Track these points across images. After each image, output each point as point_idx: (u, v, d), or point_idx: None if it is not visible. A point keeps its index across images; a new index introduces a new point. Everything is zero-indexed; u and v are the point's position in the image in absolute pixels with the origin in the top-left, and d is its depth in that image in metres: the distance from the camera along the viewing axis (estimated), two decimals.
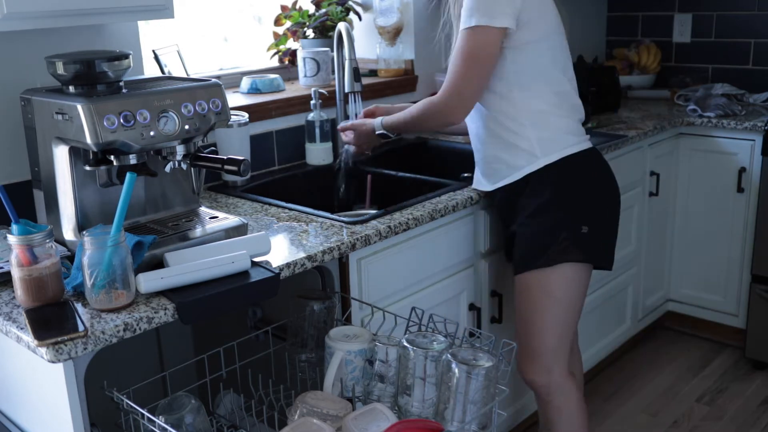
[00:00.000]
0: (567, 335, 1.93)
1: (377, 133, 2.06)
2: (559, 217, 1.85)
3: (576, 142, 1.89)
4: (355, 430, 1.33)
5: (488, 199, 2.02)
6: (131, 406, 1.33)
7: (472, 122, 1.96)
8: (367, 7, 2.81)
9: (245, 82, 2.45)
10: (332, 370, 1.47)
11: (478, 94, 1.83)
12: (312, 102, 2.35)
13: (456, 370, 1.35)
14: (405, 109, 2.01)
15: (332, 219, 1.81)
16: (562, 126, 1.87)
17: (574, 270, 1.87)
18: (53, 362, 1.20)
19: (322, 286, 1.72)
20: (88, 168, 1.50)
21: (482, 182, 1.98)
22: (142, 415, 1.31)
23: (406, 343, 1.43)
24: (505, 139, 1.87)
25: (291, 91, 2.48)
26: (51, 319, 1.27)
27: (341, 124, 2.21)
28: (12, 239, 1.30)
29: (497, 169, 1.92)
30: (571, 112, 1.90)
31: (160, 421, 1.29)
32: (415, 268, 1.90)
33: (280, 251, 1.60)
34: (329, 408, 1.39)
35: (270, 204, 1.95)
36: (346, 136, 2.18)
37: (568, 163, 1.86)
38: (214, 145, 2.10)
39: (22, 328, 1.27)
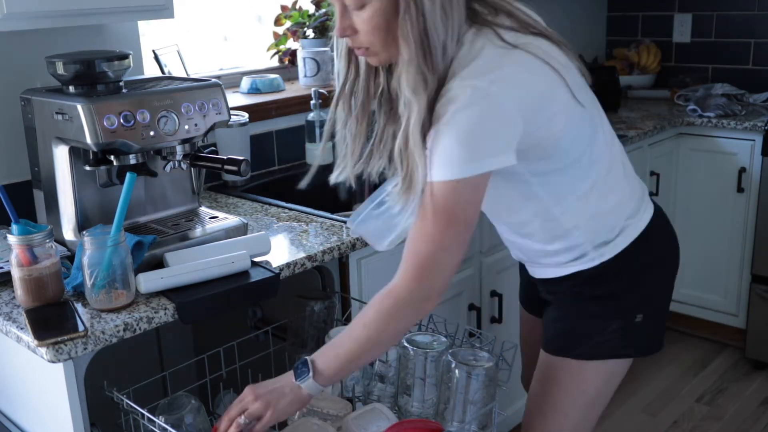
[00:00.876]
0: (591, 427, 1.59)
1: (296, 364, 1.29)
2: (611, 305, 1.46)
3: (634, 224, 1.44)
4: (355, 430, 1.33)
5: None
6: (131, 406, 1.33)
7: (509, 236, 1.54)
8: None
9: (245, 82, 2.45)
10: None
11: (458, 265, 1.31)
12: (312, 102, 2.35)
13: (456, 371, 1.34)
14: (333, 341, 1.30)
15: (332, 219, 1.81)
16: (616, 219, 1.42)
17: (617, 364, 1.50)
18: (53, 362, 1.20)
19: (322, 286, 1.72)
20: (88, 168, 1.50)
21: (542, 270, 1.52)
22: (142, 415, 1.31)
23: (406, 343, 1.43)
24: (544, 241, 1.45)
25: (291, 91, 2.48)
26: (51, 319, 1.27)
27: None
28: (12, 239, 1.30)
29: (543, 263, 1.50)
30: (621, 188, 1.44)
31: (160, 421, 1.29)
32: None
33: (280, 251, 1.60)
34: (329, 408, 1.39)
35: (270, 204, 1.95)
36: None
37: (625, 252, 1.43)
38: (214, 145, 2.10)
39: (22, 328, 1.27)
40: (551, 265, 1.48)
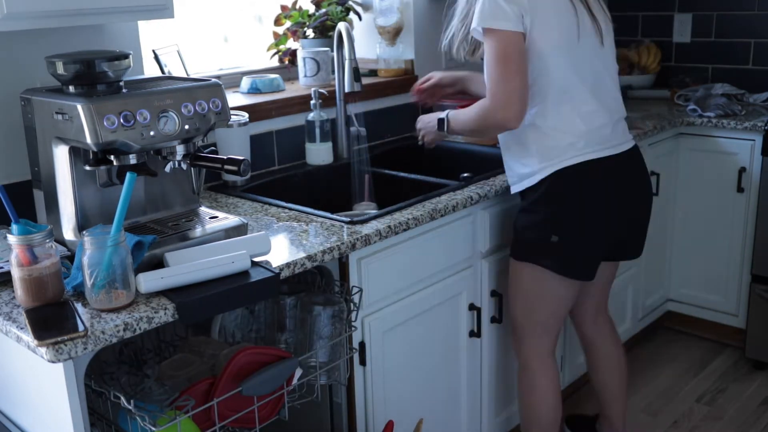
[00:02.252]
0: (534, 325, 2.05)
1: (439, 118, 2.05)
2: (533, 220, 1.94)
3: (574, 155, 1.89)
4: (224, 361, 1.53)
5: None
6: (98, 386, 1.36)
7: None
8: (367, 7, 2.81)
9: (245, 82, 2.45)
10: (217, 318, 1.66)
11: (524, 92, 1.80)
12: (312, 102, 2.35)
13: (313, 311, 1.63)
14: (468, 107, 1.97)
15: (332, 219, 1.81)
16: (564, 143, 1.88)
17: (538, 271, 1.96)
18: (53, 362, 1.20)
19: (322, 286, 1.73)
20: (88, 168, 1.50)
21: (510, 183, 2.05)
22: (109, 392, 1.34)
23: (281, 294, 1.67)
24: (510, 149, 1.98)
25: (291, 91, 2.48)
26: (51, 319, 1.27)
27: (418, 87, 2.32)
28: (12, 239, 1.30)
29: (510, 176, 2.03)
30: (583, 124, 1.89)
31: (125, 398, 1.31)
32: (415, 268, 1.90)
33: (280, 251, 1.60)
34: (207, 348, 1.60)
35: (270, 204, 1.95)
36: (420, 123, 2.21)
37: (559, 176, 1.89)
38: (214, 145, 2.10)
39: (22, 328, 1.27)
40: (512, 179, 2.02)
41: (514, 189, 2.01)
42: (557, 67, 1.84)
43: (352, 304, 1.69)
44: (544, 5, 1.80)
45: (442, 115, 2.03)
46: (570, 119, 1.88)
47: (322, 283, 1.72)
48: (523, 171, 1.95)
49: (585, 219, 1.92)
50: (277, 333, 1.68)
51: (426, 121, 2.16)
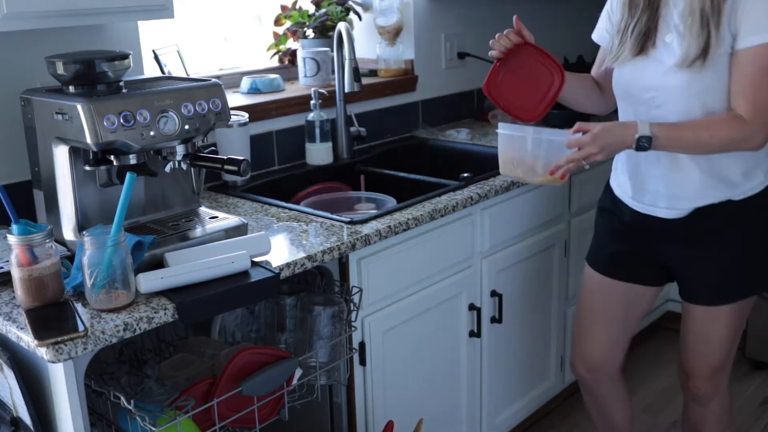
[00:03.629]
0: (733, 354, 1.94)
1: (637, 136, 1.61)
2: (761, 247, 1.77)
3: None
4: (224, 362, 1.56)
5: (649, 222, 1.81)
6: (99, 387, 1.36)
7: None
8: (367, 7, 2.81)
9: (245, 82, 2.45)
10: (217, 319, 1.65)
11: None
12: (312, 102, 2.35)
13: (313, 311, 1.62)
14: (687, 122, 1.64)
15: (332, 219, 1.81)
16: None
17: (753, 299, 1.86)
18: (53, 362, 1.20)
19: (321, 286, 1.73)
20: (88, 168, 1.50)
21: (681, 206, 1.75)
22: (108, 392, 1.34)
23: (281, 294, 1.65)
24: (739, 158, 1.69)
25: (291, 91, 2.48)
26: (51, 319, 1.27)
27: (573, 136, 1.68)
28: (12, 239, 1.30)
29: (715, 186, 1.71)
30: None
31: (125, 397, 1.31)
32: (415, 268, 1.90)
33: (280, 251, 1.60)
34: (208, 349, 1.60)
35: (270, 204, 1.95)
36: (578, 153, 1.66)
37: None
38: (214, 145, 2.10)
39: (22, 328, 1.27)
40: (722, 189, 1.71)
41: (710, 200, 1.71)
42: None
43: (352, 304, 1.69)
44: None
45: (638, 133, 1.60)
46: None
47: (322, 283, 1.72)
48: (746, 185, 1.71)
49: None
50: (277, 333, 1.67)
51: (608, 142, 1.63)
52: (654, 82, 1.68)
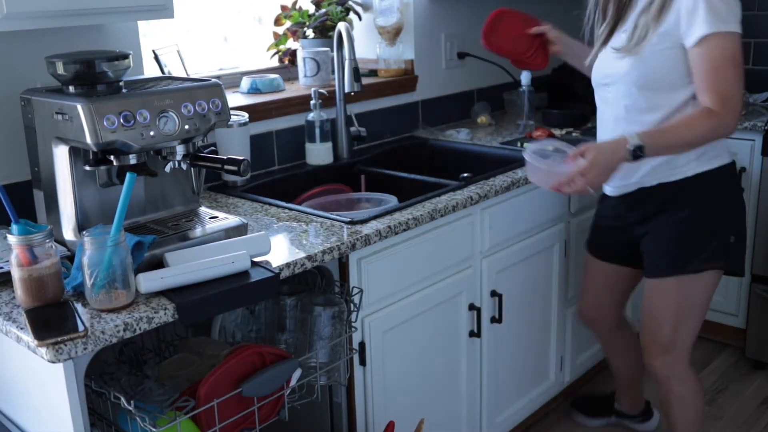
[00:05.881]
0: (694, 334, 2.04)
1: (631, 147, 1.74)
2: (711, 225, 1.91)
3: (728, 153, 1.93)
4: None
5: (610, 201, 2.06)
6: (99, 386, 1.36)
7: (648, 115, 1.86)
8: (367, 7, 2.81)
9: (245, 82, 2.45)
10: (217, 318, 1.65)
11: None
12: (312, 102, 2.35)
13: (313, 312, 1.62)
14: (666, 125, 1.82)
15: (332, 219, 1.81)
16: (722, 142, 1.89)
17: (715, 277, 1.96)
18: (53, 362, 1.20)
19: (321, 286, 1.73)
20: (88, 168, 1.50)
21: (632, 181, 1.94)
22: (109, 392, 1.34)
23: (281, 294, 1.65)
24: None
25: (291, 91, 2.48)
26: (51, 319, 1.27)
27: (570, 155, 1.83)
28: (12, 239, 1.30)
29: (654, 168, 1.89)
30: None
31: (125, 398, 1.31)
32: (415, 268, 1.90)
33: (280, 251, 1.60)
34: (207, 348, 1.60)
35: (270, 204, 1.95)
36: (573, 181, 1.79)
37: (723, 171, 1.90)
38: (214, 145, 2.10)
39: (22, 328, 1.27)
40: (660, 171, 1.88)
41: (649, 182, 1.91)
42: None
43: (352, 305, 1.69)
44: None
45: (630, 145, 1.74)
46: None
47: (322, 284, 1.72)
48: (677, 162, 1.87)
49: (744, 216, 1.98)
50: (277, 333, 1.67)
51: (603, 159, 1.76)
52: (607, 69, 1.92)
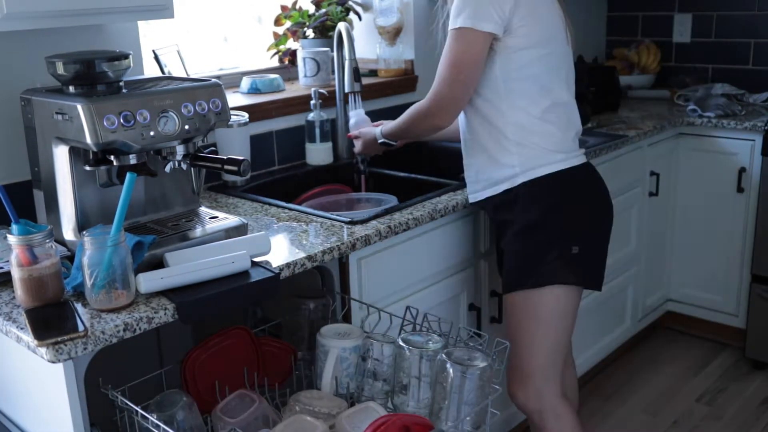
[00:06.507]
0: (556, 357, 1.85)
1: (379, 142, 2.09)
2: (548, 236, 1.77)
3: (563, 158, 1.79)
4: (348, 427, 1.33)
5: (479, 209, 2.01)
6: (125, 403, 1.34)
7: (460, 126, 1.90)
8: (367, 7, 2.81)
9: (245, 82, 2.45)
10: (329, 367, 1.48)
11: (464, 99, 1.76)
12: (312, 102, 2.35)
13: (451, 370, 1.36)
14: (400, 117, 1.96)
15: (332, 219, 1.81)
16: (549, 143, 1.78)
17: (563, 291, 1.79)
18: (53, 362, 1.20)
19: (321, 286, 1.73)
20: (88, 168, 1.50)
21: (469, 191, 1.92)
22: (136, 412, 1.32)
23: (402, 343, 1.44)
24: (488, 149, 1.81)
25: (291, 91, 2.48)
26: (51, 319, 1.27)
27: (350, 133, 2.26)
28: (12, 239, 1.30)
29: (479, 180, 1.86)
30: (566, 126, 1.81)
31: (153, 417, 1.29)
32: (415, 268, 1.90)
33: (280, 251, 1.60)
34: (322, 406, 1.41)
35: (270, 204, 1.95)
36: (355, 144, 2.21)
37: (555, 180, 1.77)
38: (214, 145, 2.10)
39: (22, 328, 1.27)
40: (485, 182, 1.84)
41: (482, 195, 1.85)
42: (540, 65, 1.76)
43: (497, 361, 1.43)
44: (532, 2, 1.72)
45: (379, 138, 2.07)
46: (551, 121, 1.78)
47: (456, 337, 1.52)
48: (498, 174, 1.80)
49: (597, 224, 1.84)
50: (400, 392, 1.46)
51: (364, 132, 2.16)
52: None
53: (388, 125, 2.05)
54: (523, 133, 1.77)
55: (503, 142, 1.78)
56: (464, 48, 1.70)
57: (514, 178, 1.78)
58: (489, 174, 1.82)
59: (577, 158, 1.83)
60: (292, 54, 2.65)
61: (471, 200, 1.92)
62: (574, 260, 1.78)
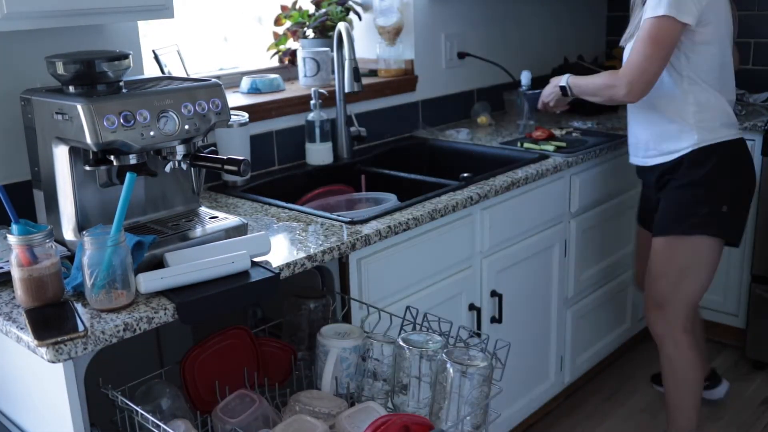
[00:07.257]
0: (689, 297, 2.20)
1: (560, 85, 2.30)
2: (704, 194, 2.11)
3: (728, 134, 2.12)
4: (348, 427, 1.33)
5: (640, 172, 2.31)
6: (125, 403, 1.34)
7: (642, 103, 2.14)
8: (367, 7, 2.81)
9: (245, 82, 2.45)
10: (329, 367, 1.48)
11: (657, 77, 2.04)
12: (312, 102, 2.35)
13: (451, 370, 1.36)
14: (592, 76, 2.22)
15: (332, 219, 1.81)
16: (719, 121, 2.11)
17: (706, 242, 2.13)
18: (53, 362, 1.20)
19: (321, 286, 1.73)
20: (88, 168, 1.50)
21: (641, 158, 2.24)
22: (136, 412, 1.32)
23: (402, 343, 1.44)
24: (667, 123, 2.13)
25: (291, 91, 2.48)
26: (51, 319, 1.27)
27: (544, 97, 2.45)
28: (12, 239, 1.30)
29: (650, 148, 2.19)
30: (728, 107, 2.15)
31: (154, 418, 1.30)
32: (415, 268, 1.90)
33: (280, 251, 1.60)
34: (322, 406, 1.41)
35: (270, 204, 1.95)
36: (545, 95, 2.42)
37: (720, 149, 2.10)
38: (214, 145, 2.10)
39: (22, 328, 1.27)
40: (657, 151, 2.18)
41: (653, 161, 2.19)
42: (717, 53, 2.09)
43: (498, 362, 1.43)
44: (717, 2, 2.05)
45: (563, 82, 2.29)
46: (722, 101, 2.12)
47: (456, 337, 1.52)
48: (675, 146, 2.12)
49: (745, 190, 2.17)
50: (399, 392, 1.46)
51: (548, 93, 2.38)
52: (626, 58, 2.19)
53: (576, 78, 2.28)
54: (701, 111, 2.09)
55: (684, 118, 2.10)
56: (665, 33, 1.99)
57: (687, 148, 2.11)
58: (666, 145, 2.14)
59: (738, 134, 2.16)
60: (292, 54, 2.65)
61: (639, 164, 2.27)
62: (723, 217, 2.11)
